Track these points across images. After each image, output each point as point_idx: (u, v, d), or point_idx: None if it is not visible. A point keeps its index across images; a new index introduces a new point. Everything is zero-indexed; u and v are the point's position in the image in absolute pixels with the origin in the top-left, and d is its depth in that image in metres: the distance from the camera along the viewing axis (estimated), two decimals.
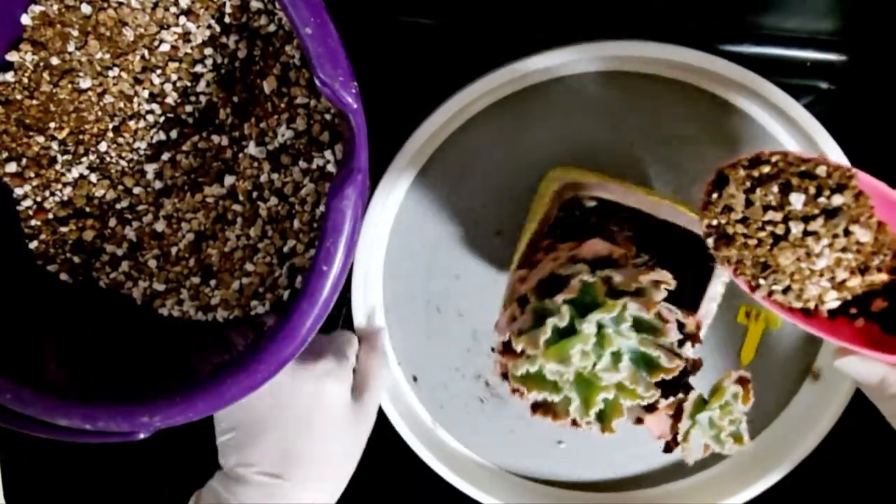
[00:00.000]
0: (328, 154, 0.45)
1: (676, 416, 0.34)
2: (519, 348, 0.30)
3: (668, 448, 0.37)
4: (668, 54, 0.42)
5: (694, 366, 0.31)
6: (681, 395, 0.33)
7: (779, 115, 0.44)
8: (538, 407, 0.32)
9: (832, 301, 0.30)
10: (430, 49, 0.48)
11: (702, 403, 0.34)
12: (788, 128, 0.44)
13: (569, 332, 0.30)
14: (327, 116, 0.45)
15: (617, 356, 0.30)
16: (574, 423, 0.31)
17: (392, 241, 0.49)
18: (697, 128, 0.45)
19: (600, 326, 0.30)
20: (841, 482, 0.52)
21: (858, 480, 0.52)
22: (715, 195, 0.31)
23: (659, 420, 0.34)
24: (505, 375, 0.32)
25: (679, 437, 0.35)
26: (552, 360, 0.30)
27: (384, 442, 0.52)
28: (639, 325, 0.30)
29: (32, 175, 0.47)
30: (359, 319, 0.48)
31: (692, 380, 0.34)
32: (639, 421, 0.32)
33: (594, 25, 0.46)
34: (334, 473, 0.41)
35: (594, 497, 0.51)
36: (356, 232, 0.38)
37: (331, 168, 0.45)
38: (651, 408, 0.32)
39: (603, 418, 0.31)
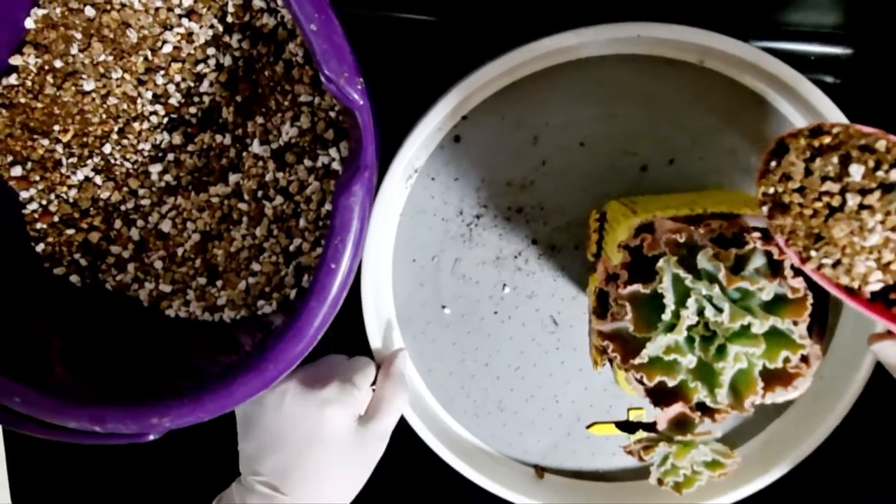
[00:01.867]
0: (333, 152, 0.45)
1: (679, 425, 0.35)
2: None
3: (626, 427, 0.37)
4: (686, 36, 0.42)
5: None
6: (699, 416, 0.33)
7: (800, 104, 0.44)
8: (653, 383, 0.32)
9: (875, 282, 0.30)
10: (430, 46, 0.48)
11: (696, 443, 0.35)
12: (802, 110, 0.44)
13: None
14: (332, 114, 0.45)
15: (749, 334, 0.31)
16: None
17: (400, 235, 0.49)
18: (714, 112, 0.45)
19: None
20: (842, 480, 0.52)
21: (858, 479, 0.52)
22: (773, 163, 0.31)
23: (668, 412, 0.34)
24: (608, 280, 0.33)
25: (652, 436, 0.36)
26: (739, 284, 0.30)
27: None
28: (777, 333, 0.31)
29: (38, 178, 0.47)
30: (374, 338, 0.48)
31: None
32: (660, 400, 0.32)
33: (597, 16, 0.46)
34: (333, 494, 0.42)
35: (586, 485, 0.51)
36: (364, 229, 0.38)
37: (336, 166, 0.45)
38: (676, 397, 0.32)
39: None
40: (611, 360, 0.37)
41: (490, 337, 0.49)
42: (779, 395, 0.32)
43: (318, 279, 0.37)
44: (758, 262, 0.32)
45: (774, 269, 0.31)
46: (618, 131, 0.46)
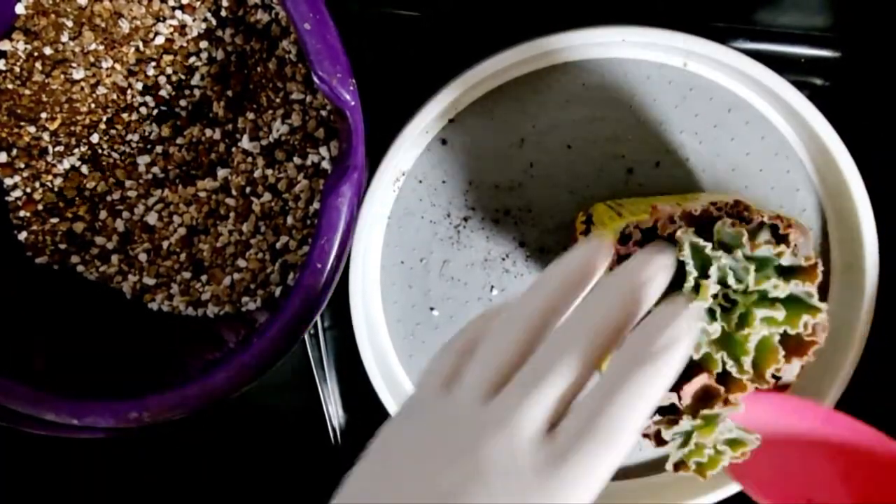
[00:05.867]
0: (323, 150, 0.45)
1: (704, 398, 0.34)
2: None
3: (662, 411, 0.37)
4: (669, 40, 0.43)
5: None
6: (726, 394, 0.33)
7: (782, 107, 0.45)
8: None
9: None
10: (418, 44, 0.48)
11: (723, 416, 0.34)
12: (784, 114, 0.45)
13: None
14: (323, 113, 0.45)
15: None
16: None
17: (388, 237, 0.48)
18: (699, 115, 0.46)
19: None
20: None
21: None
22: None
23: (693, 384, 0.34)
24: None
25: (679, 409, 0.35)
26: (761, 248, 0.31)
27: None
28: (794, 299, 0.31)
29: (23, 165, 0.47)
30: (362, 340, 0.47)
31: None
32: (682, 376, 0.32)
33: (582, 20, 0.46)
34: None
35: None
36: (351, 229, 0.38)
37: (325, 165, 0.45)
38: (695, 370, 0.32)
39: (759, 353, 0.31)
40: None
41: None
42: (787, 373, 0.32)
43: (303, 278, 0.37)
44: (764, 236, 0.32)
45: (779, 241, 0.32)
46: (604, 134, 0.46)
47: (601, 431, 0.23)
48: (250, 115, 0.46)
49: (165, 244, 0.47)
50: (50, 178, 0.47)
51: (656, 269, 0.28)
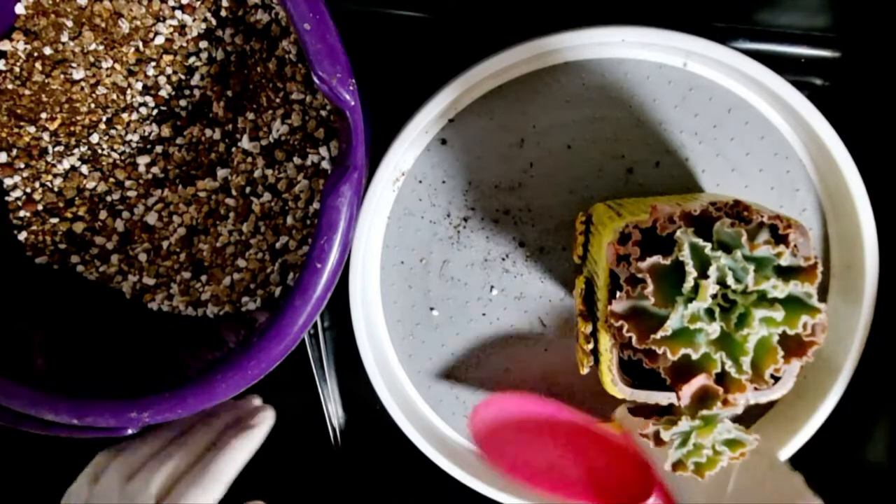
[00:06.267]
0: (323, 151, 0.45)
1: (702, 399, 0.34)
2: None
3: (640, 411, 0.38)
4: (669, 40, 0.43)
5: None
6: (725, 395, 0.33)
7: (782, 107, 0.45)
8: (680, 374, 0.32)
9: None
10: (419, 44, 0.48)
11: (721, 417, 0.34)
12: (784, 113, 0.45)
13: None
14: (323, 113, 0.45)
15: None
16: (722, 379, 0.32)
17: (388, 237, 0.49)
18: (699, 115, 0.46)
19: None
20: (827, 478, 0.52)
21: (843, 477, 0.53)
22: None
23: (691, 385, 0.34)
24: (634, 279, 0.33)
25: (680, 404, 0.34)
26: (761, 249, 0.31)
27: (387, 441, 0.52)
28: (794, 300, 0.32)
29: (23, 166, 0.47)
30: (362, 341, 0.47)
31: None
32: (681, 376, 0.33)
33: (582, 20, 0.47)
34: None
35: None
36: (351, 229, 0.38)
37: (325, 165, 0.45)
38: (694, 370, 0.32)
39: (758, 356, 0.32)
40: (625, 345, 0.36)
41: (478, 338, 0.50)
42: (787, 373, 0.33)
43: (303, 278, 0.37)
44: (764, 236, 0.32)
45: (779, 241, 0.32)
46: (604, 134, 0.46)
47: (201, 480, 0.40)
48: (250, 115, 0.46)
49: (165, 244, 0.47)
50: (50, 178, 0.47)
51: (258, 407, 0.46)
